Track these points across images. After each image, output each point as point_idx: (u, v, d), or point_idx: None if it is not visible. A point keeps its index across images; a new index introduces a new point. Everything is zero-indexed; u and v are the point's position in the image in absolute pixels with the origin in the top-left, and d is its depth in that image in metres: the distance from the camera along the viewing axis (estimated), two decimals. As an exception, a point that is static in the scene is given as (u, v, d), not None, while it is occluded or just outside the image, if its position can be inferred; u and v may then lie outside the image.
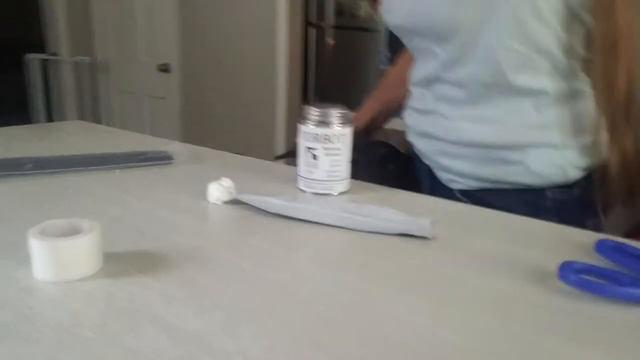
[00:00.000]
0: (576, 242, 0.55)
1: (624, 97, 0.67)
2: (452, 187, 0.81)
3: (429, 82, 0.82)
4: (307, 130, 0.69)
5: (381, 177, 0.95)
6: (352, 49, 2.66)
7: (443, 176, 0.83)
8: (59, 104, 3.36)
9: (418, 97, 0.86)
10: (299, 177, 0.71)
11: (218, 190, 0.63)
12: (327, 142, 0.68)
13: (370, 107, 1.06)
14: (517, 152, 0.73)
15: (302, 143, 0.70)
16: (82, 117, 3.38)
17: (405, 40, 0.87)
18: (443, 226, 0.58)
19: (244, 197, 0.62)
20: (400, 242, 0.53)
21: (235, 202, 0.63)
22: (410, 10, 0.78)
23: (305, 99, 2.69)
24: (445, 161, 0.81)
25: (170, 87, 3.06)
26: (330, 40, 2.64)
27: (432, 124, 0.81)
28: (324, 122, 0.69)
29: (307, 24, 2.62)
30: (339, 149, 0.70)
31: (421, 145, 0.86)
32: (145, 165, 0.79)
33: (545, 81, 0.71)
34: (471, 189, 0.79)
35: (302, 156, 0.70)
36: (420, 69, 0.84)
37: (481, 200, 0.72)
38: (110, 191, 0.66)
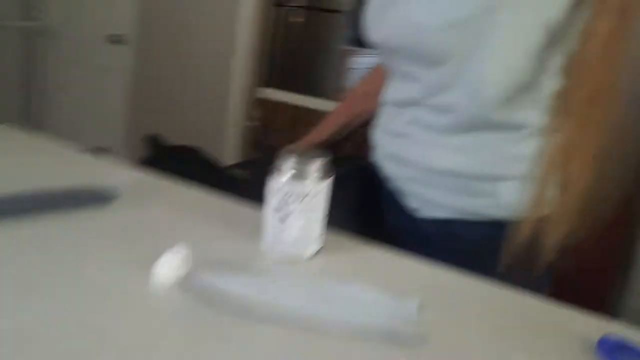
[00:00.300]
0: (579, 334, 0.51)
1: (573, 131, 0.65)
2: (417, 216, 0.76)
3: (406, 104, 0.76)
4: (279, 185, 0.57)
5: (341, 200, 0.86)
6: (320, 30, 2.52)
7: (410, 203, 0.77)
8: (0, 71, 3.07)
9: (391, 118, 0.80)
10: (266, 239, 0.59)
11: (168, 269, 0.50)
12: (302, 199, 0.57)
13: (333, 121, 1.00)
14: (490, 184, 0.70)
15: (273, 199, 0.58)
16: (26, 84, 3.11)
17: (384, 58, 0.81)
18: (431, 310, 0.51)
19: (198, 282, 0.50)
20: (380, 346, 0.45)
21: (185, 284, 0.50)
22: (398, 30, 0.71)
23: (264, 80, 2.54)
24: (415, 188, 0.76)
25: (121, 60, 2.83)
26: (295, 20, 2.48)
27: (405, 148, 0.76)
28: (299, 176, 0.57)
29: (274, 3, 2.46)
30: (314, 205, 0.58)
31: (390, 169, 0.80)
32: (78, 210, 0.64)
33: (526, 116, 0.68)
34: (438, 218, 0.74)
35: (271, 214, 0.58)
36: (399, 90, 0.78)
37: (448, 231, 0.72)
38: (25, 261, 0.51)
